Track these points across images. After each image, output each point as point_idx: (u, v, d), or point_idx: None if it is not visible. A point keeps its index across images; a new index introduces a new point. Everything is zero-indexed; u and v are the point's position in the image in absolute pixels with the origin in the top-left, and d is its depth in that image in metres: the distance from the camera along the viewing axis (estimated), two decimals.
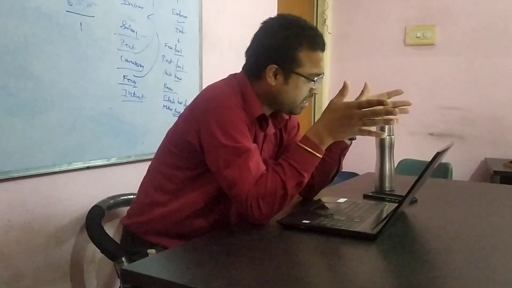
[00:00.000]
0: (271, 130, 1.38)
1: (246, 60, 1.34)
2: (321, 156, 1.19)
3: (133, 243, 1.36)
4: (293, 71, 1.26)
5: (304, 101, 1.32)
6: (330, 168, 1.41)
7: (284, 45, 1.26)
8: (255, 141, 1.32)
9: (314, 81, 1.28)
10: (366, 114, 1.18)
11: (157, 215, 1.32)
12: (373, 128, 1.24)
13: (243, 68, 1.34)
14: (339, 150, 1.38)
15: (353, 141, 1.40)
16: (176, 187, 1.30)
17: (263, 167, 1.20)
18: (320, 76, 1.30)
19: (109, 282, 1.79)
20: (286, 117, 1.44)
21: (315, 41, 1.28)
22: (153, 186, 1.35)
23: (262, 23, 1.31)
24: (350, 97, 1.26)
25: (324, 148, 1.19)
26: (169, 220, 1.31)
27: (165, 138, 1.37)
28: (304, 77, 1.27)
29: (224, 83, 1.32)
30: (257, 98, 1.30)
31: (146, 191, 1.36)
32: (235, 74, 1.35)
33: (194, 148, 1.24)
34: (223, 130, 1.19)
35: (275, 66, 1.26)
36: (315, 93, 1.32)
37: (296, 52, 1.25)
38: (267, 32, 1.29)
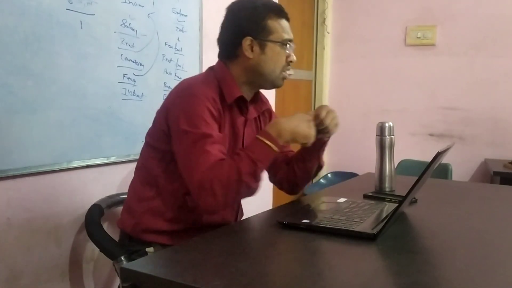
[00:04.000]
0: (252, 114, 1.41)
1: (220, 46, 1.39)
2: (277, 150, 1.21)
3: (130, 244, 1.37)
4: (267, 40, 1.32)
5: (284, 71, 1.36)
6: (310, 165, 1.45)
7: (253, 16, 1.32)
8: (234, 126, 1.35)
9: (288, 44, 1.34)
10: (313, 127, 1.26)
11: (147, 211, 1.34)
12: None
13: (218, 56, 1.39)
14: (317, 146, 1.40)
15: (329, 137, 1.41)
16: (157, 180, 1.33)
17: (221, 155, 1.22)
18: (292, 42, 1.36)
19: (108, 281, 1.79)
20: (268, 104, 1.48)
21: (279, 9, 1.36)
22: (140, 182, 1.38)
23: (226, 8, 1.37)
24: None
25: (281, 143, 1.22)
26: (159, 216, 1.32)
27: (146, 133, 1.41)
28: (278, 42, 1.32)
29: (199, 75, 1.39)
30: (235, 81, 1.35)
31: (134, 189, 1.39)
32: (212, 66, 1.40)
33: (166, 137, 1.28)
34: (186, 117, 1.23)
35: (250, 37, 1.31)
36: (291, 61, 1.36)
37: (266, 21, 1.32)
38: (234, 10, 1.36)
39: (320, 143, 1.40)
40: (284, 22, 1.36)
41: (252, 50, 1.32)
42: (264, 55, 1.32)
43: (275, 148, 1.20)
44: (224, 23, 1.37)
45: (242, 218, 1.31)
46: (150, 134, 1.37)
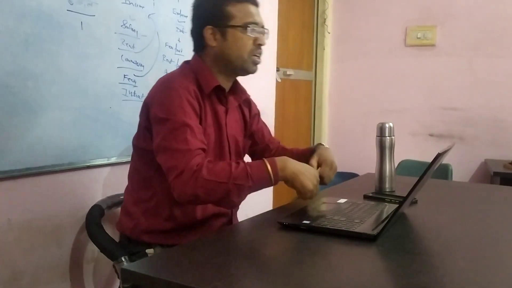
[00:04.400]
0: (232, 104, 1.43)
1: (192, 39, 1.40)
2: (272, 180, 1.19)
3: (130, 245, 1.38)
4: (227, 26, 1.32)
5: (253, 55, 1.35)
6: None
7: (212, 5, 1.34)
8: (215, 115, 1.36)
9: (249, 28, 1.32)
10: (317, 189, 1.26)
11: (144, 213, 1.35)
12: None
13: (193, 50, 1.41)
14: None
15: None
16: (150, 181, 1.34)
17: (202, 144, 1.22)
18: (256, 25, 1.34)
19: (108, 281, 1.79)
20: (246, 94, 1.49)
21: None
22: (134, 187, 1.39)
23: (192, 3, 1.39)
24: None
25: (280, 177, 1.20)
26: (157, 215, 1.33)
27: (132, 139, 1.43)
28: (239, 26, 1.32)
29: (176, 70, 1.40)
30: (211, 70, 1.36)
31: (130, 194, 1.41)
32: (188, 60, 1.42)
33: (150, 135, 1.29)
34: (165, 108, 1.24)
35: (210, 26, 1.32)
36: (260, 44, 1.36)
37: (224, 7, 1.32)
38: (196, 3, 1.38)
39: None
40: (246, 6, 1.34)
41: (214, 39, 1.33)
42: (227, 41, 1.33)
43: (272, 178, 1.18)
44: (191, 19, 1.39)
45: (243, 219, 1.31)
46: (136, 138, 1.39)
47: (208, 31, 1.33)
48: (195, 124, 1.24)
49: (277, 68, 2.99)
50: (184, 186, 1.15)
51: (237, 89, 1.46)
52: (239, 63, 1.34)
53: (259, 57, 1.37)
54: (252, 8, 1.35)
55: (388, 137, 1.52)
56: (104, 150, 1.69)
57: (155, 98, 1.29)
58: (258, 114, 1.60)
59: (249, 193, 1.20)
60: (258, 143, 1.57)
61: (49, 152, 1.50)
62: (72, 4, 1.54)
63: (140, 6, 1.80)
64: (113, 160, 1.74)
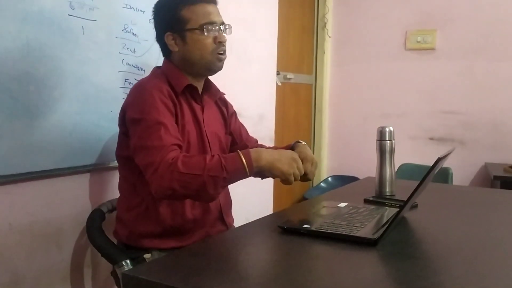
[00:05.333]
0: (207, 102, 1.46)
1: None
2: (247, 172, 1.18)
3: (128, 252, 1.40)
4: (184, 30, 1.35)
5: (217, 53, 1.37)
6: None
7: (167, 11, 1.36)
8: (193, 113, 1.40)
9: (205, 28, 1.34)
10: (300, 170, 1.23)
11: (137, 218, 1.38)
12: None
13: (163, 55, 1.46)
14: None
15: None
16: (136, 186, 1.37)
17: (176, 141, 1.23)
18: (214, 24, 1.35)
19: (108, 285, 1.79)
20: (220, 92, 1.52)
21: None
22: (125, 195, 1.43)
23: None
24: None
25: (255, 167, 1.18)
26: (149, 219, 1.35)
27: (115, 151, 1.47)
28: (196, 29, 1.34)
29: (148, 75, 1.44)
30: (180, 71, 1.39)
31: (122, 202, 1.44)
32: (158, 66, 1.47)
33: (129, 140, 1.31)
34: (139, 108, 1.27)
35: (169, 33, 1.36)
36: (221, 41, 1.37)
37: (178, 12, 1.35)
38: (154, 10, 1.41)
39: None
40: (200, 7, 1.35)
41: (176, 44, 1.37)
42: (187, 45, 1.36)
43: (247, 169, 1.17)
44: (154, 24, 1.43)
45: (243, 224, 1.31)
46: (118, 148, 1.42)
47: (169, 37, 1.37)
48: (169, 122, 1.26)
49: (277, 72, 2.99)
50: (160, 180, 1.15)
51: (210, 88, 1.49)
52: (203, 63, 1.37)
53: (223, 53, 1.39)
54: (207, 7, 1.36)
55: (388, 141, 1.52)
56: (105, 154, 1.69)
57: (129, 101, 1.33)
58: (235, 113, 1.62)
59: (225, 185, 1.20)
60: (237, 142, 1.60)
61: (50, 156, 1.51)
62: (73, 9, 1.55)
63: (141, 10, 1.81)
64: (113, 164, 1.74)
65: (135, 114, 1.28)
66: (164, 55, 1.45)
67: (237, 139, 1.60)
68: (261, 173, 1.23)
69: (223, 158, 1.18)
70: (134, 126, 1.27)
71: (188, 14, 1.34)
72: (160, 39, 1.41)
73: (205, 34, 1.34)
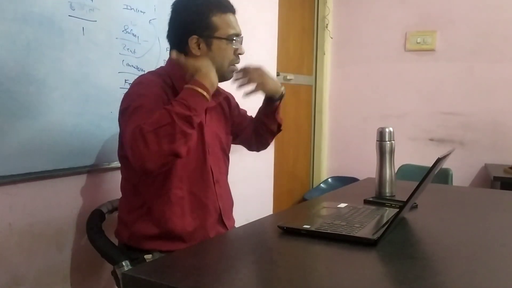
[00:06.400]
0: (210, 103, 1.41)
1: (169, 43, 1.42)
2: (208, 99, 1.21)
3: (129, 253, 1.40)
4: (212, 37, 1.33)
5: (232, 65, 1.39)
6: (271, 126, 1.62)
7: (197, 14, 1.34)
8: None
9: (234, 40, 1.36)
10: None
11: (138, 219, 1.38)
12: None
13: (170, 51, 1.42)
14: (269, 110, 1.57)
15: (282, 99, 1.57)
16: (138, 188, 1.37)
17: (150, 117, 1.20)
18: (239, 36, 1.38)
19: (109, 286, 1.79)
20: (225, 92, 1.54)
21: (223, 5, 1.37)
22: (126, 196, 1.43)
23: (172, 5, 1.39)
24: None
25: (211, 90, 1.22)
26: (150, 220, 1.35)
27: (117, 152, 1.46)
28: (224, 39, 1.34)
29: (149, 71, 1.43)
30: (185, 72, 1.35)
31: (124, 203, 1.44)
32: (162, 66, 1.46)
33: None
34: (126, 99, 1.28)
35: (196, 36, 1.33)
36: (240, 54, 1.39)
37: (210, 18, 1.33)
38: (179, 9, 1.38)
39: (272, 107, 1.56)
40: (229, 17, 1.36)
41: (199, 48, 1.34)
42: (211, 52, 1.34)
43: (207, 96, 1.20)
44: (171, 20, 1.40)
45: (244, 224, 1.31)
46: (120, 148, 1.42)
47: (193, 41, 1.34)
48: (154, 106, 1.21)
49: (277, 72, 2.99)
50: (141, 155, 1.11)
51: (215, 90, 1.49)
52: (220, 72, 1.35)
53: (236, 65, 1.41)
54: (233, 18, 1.38)
55: (388, 142, 1.52)
56: (105, 154, 1.70)
57: (124, 96, 1.33)
58: (237, 105, 1.64)
59: (197, 120, 1.19)
60: (246, 126, 1.64)
61: (50, 156, 1.51)
62: (73, 10, 1.55)
63: (141, 11, 1.81)
64: (114, 164, 1.74)
65: (123, 104, 1.28)
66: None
67: (244, 123, 1.64)
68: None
69: (183, 99, 1.17)
70: (122, 116, 1.28)
71: (219, 22, 1.33)
72: (177, 39, 1.37)
73: (232, 46, 1.35)
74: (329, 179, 3.70)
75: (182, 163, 1.33)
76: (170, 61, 1.41)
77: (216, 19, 1.33)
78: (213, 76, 1.25)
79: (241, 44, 1.40)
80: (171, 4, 1.39)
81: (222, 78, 1.39)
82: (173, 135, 1.13)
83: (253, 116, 1.68)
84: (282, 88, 1.54)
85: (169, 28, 1.41)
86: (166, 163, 1.18)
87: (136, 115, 1.20)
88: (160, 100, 1.25)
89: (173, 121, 1.12)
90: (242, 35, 1.40)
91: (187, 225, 1.35)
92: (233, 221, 1.52)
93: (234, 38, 1.36)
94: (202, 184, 1.38)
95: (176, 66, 1.37)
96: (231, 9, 1.38)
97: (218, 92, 1.50)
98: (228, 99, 1.58)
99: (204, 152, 1.40)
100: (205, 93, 1.20)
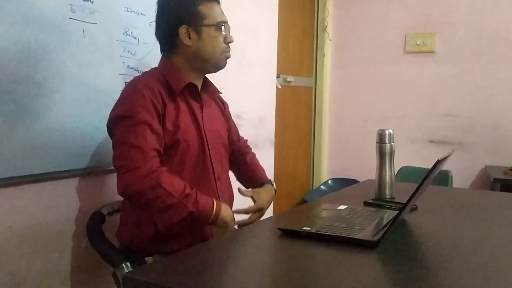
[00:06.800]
0: (206, 100, 1.47)
1: (159, 40, 1.44)
2: (209, 222, 1.29)
3: (130, 254, 1.41)
4: (201, 25, 1.36)
5: (224, 52, 1.42)
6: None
7: (184, 5, 1.37)
8: (192, 112, 1.41)
9: (223, 26, 1.39)
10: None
11: (140, 222, 1.38)
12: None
13: (160, 51, 1.46)
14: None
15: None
16: None
17: (158, 146, 1.27)
18: (226, 23, 1.41)
19: None
20: (219, 91, 1.56)
21: None
22: None
23: (156, 3, 1.42)
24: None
25: (217, 221, 1.29)
26: (151, 223, 1.35)
27: None
28: (213, 25, 1.37)
29: (143, 73, 1.45)
30: (180, 70, 1.39)
31: (126, 205, 1.45)
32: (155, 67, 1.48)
33: None
34: (126, 106, 1.29)
35: (185, 26, 1.36)
36: (230, 42, 1.42)
37: (197, 7, 1.36)
38: (165, 3, 1.41)
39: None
40: (215, 6, 1.40)
41: (189, 38, 1.36)
42: (202, 40, 1.37)
43: (212, 217, 1.27)
44: (158, 17, 1.42)
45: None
46: None
47: (182, 30, 1.36)
48: (155, 124, 1.28)
49: (277, 74, 3.00)
50: (135, 181, 1.20)
51: (208, 86, 1.51)
52: (213, 60, 1.40)
53: (228, 52, 1.43)
54: (218, 7, 1.41)
55: (388, 144, 1.53)
56: (105, 156, 1.70)
57: (118, 99, 1.35)
58: (230, 115, 1.67)
59: (185, 218, 1.25)
60: (230, 144, 1.65)
61: (51, 158, 1.51)
62: (74, 12, 1.55)
63: (141, 14, 1.82)
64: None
65: (123, 112, 1.29)
66: (166, 50, 1.43)
67: (229, 139, 1.63)
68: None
69: (199, 195, 1.25)
70: (120, 122, 1.29)
71: (206, 10, 1.37)
72: (168, 32, 1.39)
73: (222, 32, 1.38)
74: (329, 181, 3.70)
75: (182, 161, 1.33)
76: (164, 61, 1.44)
77: (203, 8, 1.37)
78: (229, 221, 1.33)
79: (229, 33, 1.43)
80: (156, 1, 1.42)
81: (216, 66, 1.43)
82: (161, 206, 1.24)
83: (242, 136, 1.72)
84: (274, 190, 1.63)
85: (156, 25, 1.43)
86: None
87: (141, 134, 1.25)
88: (157, 111, 1.29)
89: (172, 204, 1.22)
90: (228, 24, 1.43)
91: (189, 228, 1.35)
92: (234, 219, 1.52)
93: (223, 25, 1.39)
94: (203, 181, 1.39)
95: (171, 65, 1.39)
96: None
97: (214, 89, 1.53)
98: (222, 102, 1.61)
99: (205, 149, 1.40)
100: (213, 216, 1.27)
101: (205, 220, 1.27)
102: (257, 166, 1.68)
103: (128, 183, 1.21)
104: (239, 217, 1.48)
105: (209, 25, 1.36)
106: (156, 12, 1.42)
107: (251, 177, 1.63)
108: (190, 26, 1.36)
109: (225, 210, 1.30)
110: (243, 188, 1.57)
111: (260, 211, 1.50)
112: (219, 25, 1.38)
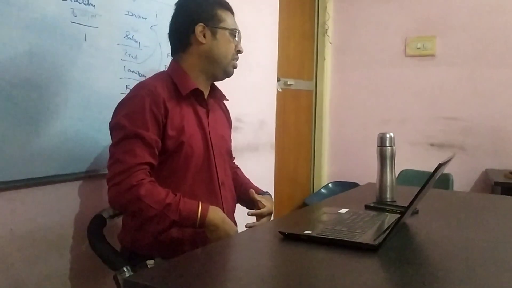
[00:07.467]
0: (212, 105, 1.49)
1: (172, 40, 1.47)
2: (197, 226, 1.28)
3: (131, 258, 1.40)
4: (217, 27, 1.41)
5: (233, 60, 1.45)
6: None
7: (203, 5, 1.42)
8: (198, 117, 1.42)
9: (236, 34, 1.43)
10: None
11: (141, 226, 1.38)
12: None
13: (171, 53, 1.48)
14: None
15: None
16: None
17: (149, 158, 1.28)
18: (239, 33, 1.45)
19: None
20: (225, 97, 1.57)
21: (226, 4, 1.46)
22: None
23: (176, 3, 1.46)
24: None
25: (205, 225, 1.28)
26: (153, 228, 1.34)
27: None
28: (228, 30, 1.42)
29: (151, 76, 1.47)
30: (189, 75, 1.41)
31: None
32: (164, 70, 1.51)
33: None
34: (123, 115, 1.31)
35: (202, 24, 1.39)
36: (239, 52, 1.45)
37: (215, 10, 1.41)
38: (185, 3, 1.45)
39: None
40: (231, 15, 1.45)
41: (204, 36, 1.40)
42: (216, 40, 1.40)
43: (197, 222, 1.27)
44: (174, 17, 1.46)
45: (244, 230, 1.31)
46: None
47: (199, 28, 1.39)
48: (149, 135, 1.28)
49: (277, 78, 3.00)
50: (118, 195, 1.24)
51: (216, 92, 1.52)
52: (224, 63, 1.42)
53: (236, 61, 1.47)
54: (233, 17, 1.46)
55: (388, 147, 1.53)
56: (106, 160, 1.69)
57: (120, 103, 1.36)
58: (231, 125, 1.67)
59: (170, 226, 1.28)
60: None
61: (52, 162, 1.51)
62: (75, 16, 1.56)
63: (142, 17, 1.82)
64: None
65: (120, 120, 1.30)
66: (177, 50, 1.45)
67: None
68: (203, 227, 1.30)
69: (183, 202, 1.25)
70: (116, 130, 1.31)
71: (223, 15, 1.42)
72: (182, 30, 1.42)
73: (235, 38, 1.43)
74: (330, 184, 3.70)
75: (186, 166, 1.34)
76: (174, 64, 1.45)
77: (221, 12, 1.42)
78: (226, 227, 1.31)
79: (240, 43, 1.47)
80: (175, 3, 1.46)
81: (225, 72, 1.45)
82: (145, 217, 1.26)
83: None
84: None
85: (172, 25, 1.45)
86: None
87: (129, 148, 1.26)
88: (156, 119, 1.30)
89: (155, 216, 1.24)
90: (240, 34, 1.47)
91: (190, 232, 1.35)
92: (236, 225, 1.52)
93: (236, 32, 1.43)
94: (207, 186, 1.39)
95: (179, 68, 1.41)
96: (231, 10, 1.47)
97: (221, 95, 1.54)
98: (227, 110, 1.62)
99: (209, 154, 1.41)
100: (198, 221, 1.27)
101: (191, 225, 1.28)
102: (250, 181, 1.69)
103: (112, 197, 1.26)
104: (248, 220, 1.49)
105: (225, 28, 1.41)
106: (174, 11, 1.46)
107: (247, 190, 1.61)
108: (207, 25, 1.40)
109: (213, 213, 1.28)
110: (252, 190, 1.55)
111: (269, 215, 1.51)
112: (234, 31, 1.43)
